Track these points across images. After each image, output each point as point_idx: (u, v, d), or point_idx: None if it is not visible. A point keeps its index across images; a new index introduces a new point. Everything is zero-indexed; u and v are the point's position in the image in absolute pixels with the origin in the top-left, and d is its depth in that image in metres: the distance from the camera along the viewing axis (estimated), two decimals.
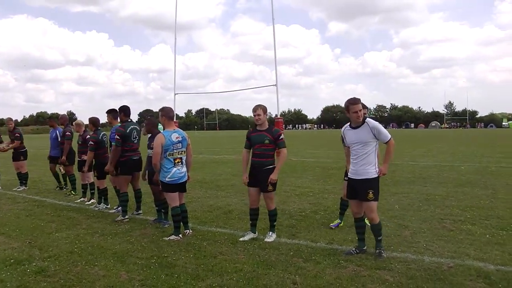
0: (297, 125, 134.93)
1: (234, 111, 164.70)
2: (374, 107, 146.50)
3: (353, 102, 5.55)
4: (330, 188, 11.30)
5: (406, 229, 6.95)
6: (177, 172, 6.57)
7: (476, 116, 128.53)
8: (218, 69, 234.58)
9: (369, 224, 5.93)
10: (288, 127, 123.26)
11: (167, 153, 6.48)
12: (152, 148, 6.80)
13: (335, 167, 16.08)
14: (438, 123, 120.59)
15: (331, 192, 10.60)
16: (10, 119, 12.15)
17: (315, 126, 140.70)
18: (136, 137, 7.94)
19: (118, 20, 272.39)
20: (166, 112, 6.72)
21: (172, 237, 6.51)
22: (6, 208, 9.01)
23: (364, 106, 5.88)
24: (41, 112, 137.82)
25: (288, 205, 9.12)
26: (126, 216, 7.76)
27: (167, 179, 6.51)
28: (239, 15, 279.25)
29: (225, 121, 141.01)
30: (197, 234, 6.82)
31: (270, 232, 6.62)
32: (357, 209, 5.81)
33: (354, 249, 5.82)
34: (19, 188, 11.75)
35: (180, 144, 6.62)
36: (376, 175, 5.54)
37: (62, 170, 11.32)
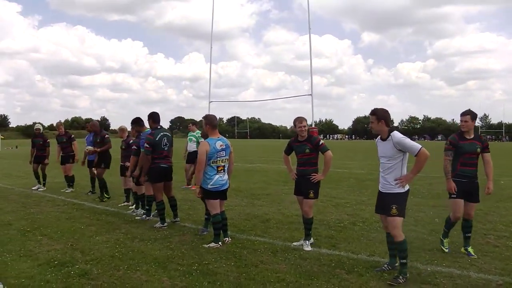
0: (328, 135, 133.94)
1: (265, 120, 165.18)
2: (407, 119, 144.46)
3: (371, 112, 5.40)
4: (366, 199, 11.06)
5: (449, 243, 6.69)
6: (219, 179, 6.57)
7: None
8: (250, 78, 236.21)
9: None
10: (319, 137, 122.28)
11: (211, 160, 6.49)
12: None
13: (369, 179, 15.82)
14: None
15: (367, 204, 10.35)
16: (61, 123, 12.50)
17: (346, 136, 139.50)
18: (166, 144, 7.85)
19: (153, 29, 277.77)
20: (210, 120, 6.71)
21: (212, 244, 6.46)
22: (46, 210, 9.16)
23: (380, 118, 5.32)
24: (75, 117, 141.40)
25: (325, 215, 8.96)
26: (165, 224, 7.74)
27: (209, 186, 6.51)
28: (272, 25, 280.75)
29: (256, 129, 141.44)
30: (236, 242, 6.75)
31: (306, 241, 6.56)
32: (386, 223, 5.58)
33: (386, 265, 5.62)
34: (66, 190, 12.04)
35: (224, 152, 6.61)
36: (403, 190, 5.23)
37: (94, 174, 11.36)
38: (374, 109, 5.35)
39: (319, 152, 6.51)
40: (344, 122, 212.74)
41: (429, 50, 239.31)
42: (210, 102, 23.18)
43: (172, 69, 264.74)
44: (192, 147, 12.63)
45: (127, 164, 9.27)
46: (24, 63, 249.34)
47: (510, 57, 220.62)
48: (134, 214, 8.86)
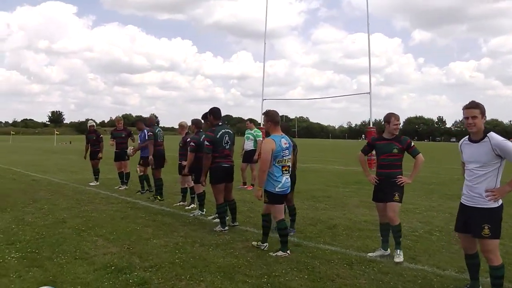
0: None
1: (312, 119, 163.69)
2: (460, 120, 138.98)
3: (468, 106, 4.39)
4: (436, 205, 10.21)
5: None
6: (286, 181, 5.96)
7: None
8: (298, 76, 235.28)
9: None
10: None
11: (276, 160, 5.83)
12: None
13: (434, 182, 14.85)
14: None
15: (438, 210, 9.56)
16: (120, 117, 12.36)
17: None
18: (228, 142, 7.23)
19: (202, 28, 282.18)
20: (272, 116, 6.03)
21: (280, 253, 5.84)
22: (101, 208, 8.81)
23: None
24: (125, 114, 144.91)
25: None
26: (226, 227, 7.18)
27: (277, 189, 5.85)
28: (321, 23, 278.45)
29: (304, 129, 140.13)
30: (305, 251, 6.12)
31: (398, 250, 5.83)
32: (469, 243, 4.56)
33: (467, 286, 4.80)
34: (120, 187, 11.83)
35: (288, 150, 5.98)
36: (496, 205, 4.27)
37: (139, 172, 11.02)
38: (475, 102, 4.38)
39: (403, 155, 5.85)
40: None
41: (484, 48, 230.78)
42: (263, 99, 22.72)
43: (220, 68, 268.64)
44: (249, 145, 12.06)
45: (184, 162, 8.83)
46: (78, 62, 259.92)
47: None
48: (192, 215, 8.35)
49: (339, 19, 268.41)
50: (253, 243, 6.31)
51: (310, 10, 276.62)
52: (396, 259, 5.69)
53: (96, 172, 12.68)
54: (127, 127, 12.39)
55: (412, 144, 5.83)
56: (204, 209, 8.58)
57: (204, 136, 7.63)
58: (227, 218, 7.41)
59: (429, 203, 10.60)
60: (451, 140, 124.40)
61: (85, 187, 11.87)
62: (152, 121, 10.48)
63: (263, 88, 23.07)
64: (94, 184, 12.37)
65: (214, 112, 7.31)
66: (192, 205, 9.12)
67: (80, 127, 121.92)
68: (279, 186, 5.85)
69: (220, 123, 7.26)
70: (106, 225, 7.26)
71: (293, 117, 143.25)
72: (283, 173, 5.89)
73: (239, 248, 6.17)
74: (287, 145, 5.96)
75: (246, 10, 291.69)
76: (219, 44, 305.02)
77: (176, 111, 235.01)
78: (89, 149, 12.65)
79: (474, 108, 4.34)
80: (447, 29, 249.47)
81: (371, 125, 20.64)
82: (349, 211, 9.20)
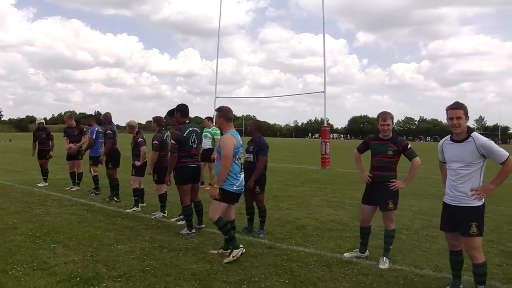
0: None
1: (259, 118, 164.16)
2: (403, 119, 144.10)
3: (452, 106, 4.38)
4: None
5: None
6: (243, 180, 5.75)
7: (508, 131, 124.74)
8: (245, 75, 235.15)
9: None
10: (315, 136, 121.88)
11: (236, 156, 5.58)
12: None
13: None
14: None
15: (400, 209, 9.47)
16: (71, 114, 11.66)
17: (341, 136, 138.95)
18: (195, 141, 6.89)
19: (149, 24, 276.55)
20: (225, 112, 5.75)
21: (235, 252, 5.53)
22: (54, 212, 8.19)
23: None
24: (69, 111, 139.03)
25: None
26: (193, 230, 6.83)
27: (235, 188, 5.57)
28: (268, 22, 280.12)
29: None
30: (279, 253, 5.92)
31: (384, 258, 5.64)
32: (456, 241, 4.62)
33: (449, 286, 4.81)
34: (72, 188, 11.20)
35: (241, 148, 5.81)
36: (480, 203, 4.33)
37: (93, 172, 10.62)
38: (459, 103, 4.36)
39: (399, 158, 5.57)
40: (338, 122, 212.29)
41: (424, 51, 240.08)
42: (216, 97, 22.38)
43: (167, 65, 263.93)
44: (207, 144, 11.65)
45: (136, 163, 8.46)
46: (17, 56, 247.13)
47: (503, 60, 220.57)
48: (154, 217, 7.93)
49: (287, 18, 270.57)
50: (212, 251, 5.94)
51: (258, 9, 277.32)
52: (381, 266, 5.49)
53: (44, 173, 11.90)
54: (78, 124, 11.71)
55: (409, 146, 5.49)
56: (166, 211, 8.18)
57: (169, 134, 7.26)
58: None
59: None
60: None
61: (33, 189, 11.09)
62: (108, 119, 9.84)
63: (216, 86, 22.74)
64: (43, 185, 11.59)
65: (182, 109, 6.93)
66: (134, 208, 8.66)
67: (19, 124, 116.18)
68: (237, 184, 5.58)
69: (188, 121, 6.89)
70: (62, 230, 6.72)
71: (240, 115, 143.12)
72: (241, 171, 5.69)
73: (210, 252, 5.85)
74: (241, 142, 5.76)
75: (194, 8, 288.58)
76: (166, 41, 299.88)
77: (122, 108, 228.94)
78: (36, 148, 11.82)
79: (458, 109, 4.33)
80: (390, 32, 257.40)
81: (325, 124, 20.70)
82: (314, 211, 9.08)
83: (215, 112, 5.90)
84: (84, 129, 11.54)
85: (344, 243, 6.58)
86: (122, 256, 5.54)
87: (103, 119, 9.91)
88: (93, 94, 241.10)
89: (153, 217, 7.94)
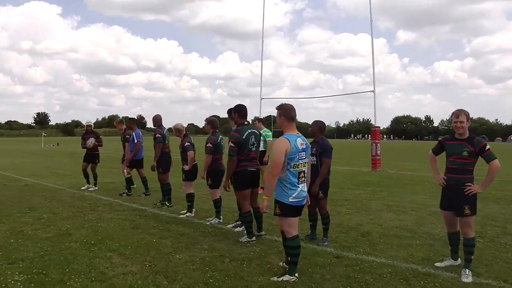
0: (366, 134, 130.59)
1: (299, 119, 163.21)
2: (447, 118, 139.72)
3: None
4: None
5: None
6: (302, 190, 4.86)
7: None
8: (284, 77, 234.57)
9: None
10: (357, 137, 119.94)
11: (292, 163, 4.74)
12: None
13: None
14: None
15: None
16: (122, 120, 11.63)
17: (384, 136, 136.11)
18: (254, 144, 6.45)
19: (188, 28, 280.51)
20: (286, 111, 4.94)
21: (286, 277, 4.82)
22: (107, 217, 7.97)
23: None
24: (112, 115, 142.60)
25: (431, 228, 7.58)
26: (253, 238, 6.42)
27: (290, 199, 4.76)
28: (306, 23, 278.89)
29: None
30: (349, 263, 5.45)
31: (466, 270, 5.08)
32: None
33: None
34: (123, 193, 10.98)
35: (304, 153, 4.87)
36: None
37: (126, 174, 10.57)
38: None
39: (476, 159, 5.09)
40: (379, 122, 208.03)
41: (467, 48, 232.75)
42: (261, 98, 22.00)
43: (206, 68, 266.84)
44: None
45: (185, 167, 8.13)
46: (63, 63, 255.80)
47: None
48: (209, 223, 7.56)
49: (325, 19, 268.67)
50: (280, 263, 5.40)
51: (295, 10, 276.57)
52: (464, 279, 4.95)
53: (95, 177, 11.80)
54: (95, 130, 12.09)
55: (487, 147, 4.99)
56: (221, 216, 7.80)
57: (220, 137, 7.03)
58: None
59: None
60: (439, 138, 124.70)
61: (84, 193, 10.98)
62: (158, 122, 9.53)
63: (261, 87, 22.36)
64: (93, 189, 11.49)
65: (240, 110, 6.52)
66: (188, 214, 8.29)
67: (66, 128, 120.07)
68: (293, 195, 4.75)
69: (246, 123, 6.48)
70: (117, 237, 6.45)
71: None
72: (299, 181, 4.81)
73: (276, 262, 5.42)
74: (304, 146, 4.86)
75: (231, 11, 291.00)
76: (205, 45, 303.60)
77: (162, 112, 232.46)
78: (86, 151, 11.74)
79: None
80: (431, 30, 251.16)
81: (375, 124, 19.94)
82: (376, 216, 8.52)
83: (277, 111, 5.04)
84: (127, 136, 11.30)
85: (416, 252, 6.04)
86: (182, 266, 5.17)
87: (153, 122, 9.64)
88: (135, 98, 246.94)
89: (208, 223, 7.57)
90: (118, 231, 6.89)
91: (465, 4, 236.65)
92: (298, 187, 4.79)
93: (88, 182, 11.77)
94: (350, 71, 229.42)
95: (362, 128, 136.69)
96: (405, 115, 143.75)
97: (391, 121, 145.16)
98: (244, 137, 6.27)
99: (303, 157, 4.83)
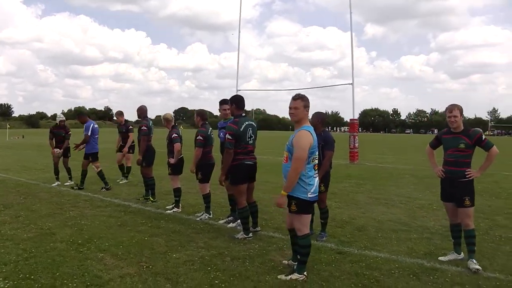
0: (335, 127, 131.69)
1: (269, 111, 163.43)
2: (414, 112, 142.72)
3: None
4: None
5: None
6: (317, 184, 4.65)
7: None
8: (252, 69, 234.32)
9: None
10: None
11: (311, 157, 4.53)
12: None
13: (426, 176, 14.30)
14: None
15: None
16: (121, 112, 11.70)
17: None
18: (251, 136, 6.17)
19: (157, 19, 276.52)
20: (308, 102, 4.64)
21: (295, 275, 4.59)
22: (89, 214, 7.53)
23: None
24: (78, 107, 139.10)
25: (424, 221, 7.53)
26: (250, 234, 6.14)
27: (309, 195, 4.52)
28: (275, 16, 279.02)
29: (261, 121, 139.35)
30: (353, 259, 5.32)
31: (473, 260, 5.08)
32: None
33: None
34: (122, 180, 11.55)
35: (317, 146, 4.69)
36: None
37: (96, 169, 10.33)
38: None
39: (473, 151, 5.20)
40: (348, 115, 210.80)
41: (433, 43, 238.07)
42: (238, 90, 21.67)
43: (175, 60, 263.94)
44: None
45: (171, 160, 7.75)
46: (26, 53, 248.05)
47: None
48: (199, 219, 7.24)
49: (294, 12, 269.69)
50: (284, 261, 5.14)
51: (265, 3, 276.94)
52: (473, 266, 4.98)
53: (68, 171, 11.22)
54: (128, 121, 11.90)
55: (484, 137, 5.14)
56: (211, 212, 7.49)
57: (210, 129, 6.92)
58: None
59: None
60: (406, 131, 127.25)
61: (60, 188, 10.45)
62: (144, 113, 9.08)
63: (237, 79, 22.05)
64: (69, 183, 10.94)
65: (238, 101, 6.20)
66: (175, 209, 7.93)
67: (30, 120, 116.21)
68: (312, 190, 4.53)
69: (243, 114, 6.18)
70: (105, 236, 6.06)
71: (250, 109, 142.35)
72: (315, 174, 4.61)
73: (278, 260, 5.18)
74: (316, 139, 4.67)
75: (201, 2, 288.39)
76: (174, 36, 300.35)
77: (130, 103, 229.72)
78: (54, 145, 11.13)
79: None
80: (398, 24, 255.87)
81: (354, 117, 19.91)
82: (367, 210, 8.43)
83: (297, 101, 4.60)
84: (130, 127, 11.42)
85: (417, 246, 5.95)
86: (182, 266, 4.86)
87: (138, 113, 9.19)
88: (102, 90, 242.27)
89: (198, 219, 7.25)
90: (105, 229, 6.50)
91: (432, 0, 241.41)
92: (315, 180, 4.58)
93: (57, 179, 11.09)
94: (318, 64, 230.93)
95: (331, 121, 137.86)
96: (373, 108, 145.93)
97: (359, 114, 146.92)
98: (242, 129, 5.98)
99: (317, 151, 4.64)
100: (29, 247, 5.49)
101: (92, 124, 10.29)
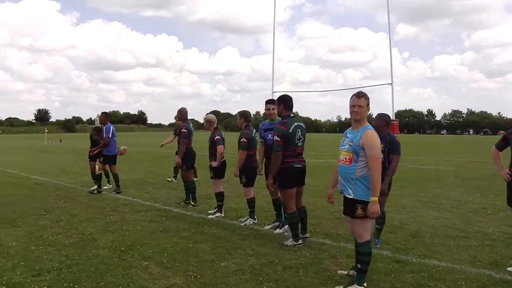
0: None
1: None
2: (449, 112, 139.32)
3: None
4: (499, 203, 8.83)
5: None
6: None
7: None
8: (284, 72, 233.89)
9: None
10: None
11: None
12: None
13: (471, 177, 13.66)
14: None
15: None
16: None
17: None
18: (300, 138, 5.80)
19: (187, 24, 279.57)
20: (369, 100, 4.32)
21: (355, 286, 4.26)
22: (130, 218, 7.34)
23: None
24: (112, 111, 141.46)
25: (480, 227, 7.04)
26: (299, 241, 5.80)
27: (371, 199, 4.15)
28: (306, 18, 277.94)
29: None
30: (413, 269, 4.89)
31: None
32: None
33: None
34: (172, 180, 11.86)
35: None
36: None
37: (98, 170, 10.26)
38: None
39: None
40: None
41: (467, 42, 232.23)
42: (273, 92, 21.31)
43: (206, 64, 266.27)
44: None
45: (213, 163, 7.47)
46: (62, 60, 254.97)
47: None
48: (244, 225, 6.94)
49: (324, 14, 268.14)
50: (344, 272, 4.75)
51: (295, 5, 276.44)
52: None
53: (107, 175, 11.12)
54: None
55: None
56: (256, 217, 7.18)
57: (254, 131, 6.77)
58: None
59: (492, 202, 9.35)
60: (441, 132, 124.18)
61: (99, 192, 10.34)
62: (184, 115, 8.86)
63: (273, 81, 21.67)
64: (108, 187, 10.85)
65: (286, 101, 5.86)
66: (218, 214, 7.63)
67: (66, 125, 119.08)
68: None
69: (292, 115, 5.85)
70: (148, 242, 5.83)
71: None
72: None
73: (333, 269, 4.82)
74: None
75: (230, 6, 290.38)
76: (204, 40, 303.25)
77: (162, 107, 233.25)
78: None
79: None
80: (431, 24, 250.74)
81: (392, 117, 19.27)
82: (417, 214, 7.96)
83: (360, 99, 4.27)
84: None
85: (479, 254, 5.48)
86: (231, 276, 4.56)
87: (179, 116, 8.98)
88: (134, 94, 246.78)
89: (242, 224, 6.95)
90: (147, 235, 6.28)
91: None
92: None
93: (108, 182, 11.07)
94: (350, 65, 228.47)
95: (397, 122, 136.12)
96: (407, 109, 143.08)
97: (394, 115, 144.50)
98: (290, 131, 5.64)
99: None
100: (72, 253, 5.31)
101: (111, 127, 10.18)
